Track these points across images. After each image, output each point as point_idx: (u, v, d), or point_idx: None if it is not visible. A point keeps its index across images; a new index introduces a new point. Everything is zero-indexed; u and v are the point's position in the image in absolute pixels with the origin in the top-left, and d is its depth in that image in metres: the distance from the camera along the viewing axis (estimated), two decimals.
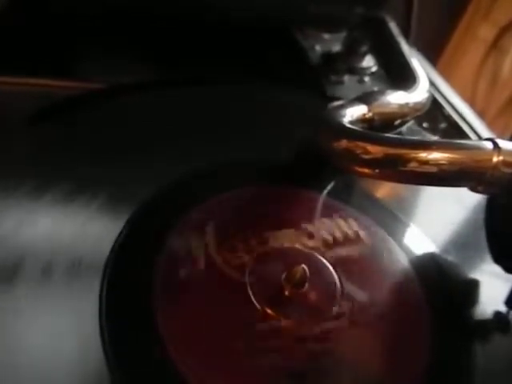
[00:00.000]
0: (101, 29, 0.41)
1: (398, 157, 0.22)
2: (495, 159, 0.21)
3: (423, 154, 0.22)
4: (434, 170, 0.22)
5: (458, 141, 0.23)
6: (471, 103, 0.45)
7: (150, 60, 0.42)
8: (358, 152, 0.23)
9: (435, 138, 0.37)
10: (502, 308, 0.25)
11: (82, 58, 0.41)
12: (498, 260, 0.25)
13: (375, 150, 0.23)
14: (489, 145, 0.22)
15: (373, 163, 0.23)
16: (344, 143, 0.23)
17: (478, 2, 0.60)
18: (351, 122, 0.26)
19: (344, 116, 0.26)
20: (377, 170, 0.23)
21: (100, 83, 0.33)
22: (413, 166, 0.22)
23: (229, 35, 0.43)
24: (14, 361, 0.18)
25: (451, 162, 0.21)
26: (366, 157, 0.23)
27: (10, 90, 0.33)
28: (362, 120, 0.27)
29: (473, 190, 0.23)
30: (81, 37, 0.41)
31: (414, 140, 0.23)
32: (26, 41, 0.39)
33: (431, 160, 0.22)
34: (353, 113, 0.26)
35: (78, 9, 0.40)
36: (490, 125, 0.43)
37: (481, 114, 0.43)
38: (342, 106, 0.27)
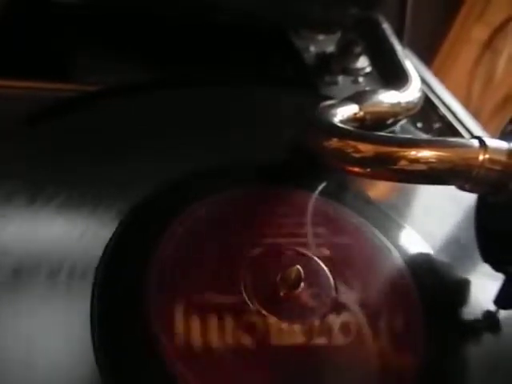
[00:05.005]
0: (98, 31, 0.41)
1: (387, 155, 0.22)
2: (481, 157, 0.21)
3: (412, 152, 0.22)
4: (423, 167, 0.22)
5: (446, 139, 0.23)
6: (466, 103, 0.45)
7: (148, 61, 0.42)
8: (349, 151, 0.23)
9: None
10: (492, 307, 0.25)
11: (79, 60, 0.41)
12: (487, 259, 0.25)
13: (365, 149, 0.23)
14: (476, 143, 0.22)
15: (363, 162, 0.23)
16: (334, 142, 0.24)
17: (472, 3, 0.61)
18: (342, 122, 0.26)
19: (335, 115, 0.26)
20: (367, 169, 0.23)
21: (97, 85, 0.34)
22: (402, 164, 0.22)
23: (225, 36, 0.43)
24: (5, 364, 0.18)
25: (439, 160, 0.22)
26: (357, 155, 0.23)
27: (6, 93, 0.33)
28: (353, 119, 0.27)
29: (461, 188, 0.23)
30: (78, 38, 0.42)
31: (403, 138, 0.23)
32: (23, 44, 0.39)
33: (420, 158, 0.22)
34: (344, 112, 0.26)
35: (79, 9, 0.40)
36: (485, 125, 0.43)
37: (475, 115, 0.44)
38: (333, 106, 0.27)
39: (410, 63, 0.35)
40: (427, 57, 0.59)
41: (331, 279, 0.24)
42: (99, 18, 0.42)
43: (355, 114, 0.27)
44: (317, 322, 0.22)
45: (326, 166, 0.26)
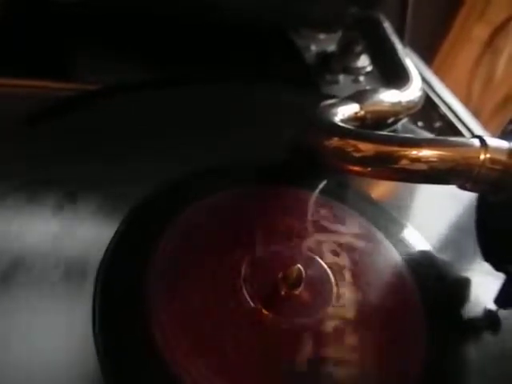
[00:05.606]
0: (98, 30, 0.41)
1: (388, 154, 0.22)
2: (482, 157, 0.21)
3: (413, 152, 0.22)
4: (423, 167, 0.22)
5: (447, 138, 0.23)
6: (466, 103, 0.45)
7: (148, 61, 0.42)
8: (349, 150, 0.23)
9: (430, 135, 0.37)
10: (493, 306, 0.25)
11: (79, 60, 0.41)
12: (488, 258, 0.25)
13: (366, 148, 0.23)
14: (476, 142, 0.22)
15: (364, 161, 0.23)
16: (335, 141, 0.24)
17: (473, 2, 0.61)
18: (343, 121, 0.26)
19: (335, 114, 0.26)
20: (368, 168, 0.23)
21: (97, 84, 0.34)
22: (403, 163, 0.22)
23: (225, 36, 0.43)
24: (5, 364, 0.18)
25: (440, 159, 0.22)
26: (357, 155, 0.23)
27: (6, 93, 0.33)
28: (353, 118, 0.27)
29: (462, 187, 0.23)
30: (78, 38, 0.42)
31: (404, 137, 0.23)
32: (23, 44, 0.39)
33: (421, 157, 0.22)
34: (344, 111, 0.26)
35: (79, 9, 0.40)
36: (486, 124, 0.43)
37: (476, 114, 0.44)
38: (334, 105, 0.27)
39: (411, 62, 0.35)
40: (428, 56, 0.59)
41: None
42: (99, 17, 0.42)
43: (356, 113, 0.27)
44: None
45: (326, 166, 0.26)
